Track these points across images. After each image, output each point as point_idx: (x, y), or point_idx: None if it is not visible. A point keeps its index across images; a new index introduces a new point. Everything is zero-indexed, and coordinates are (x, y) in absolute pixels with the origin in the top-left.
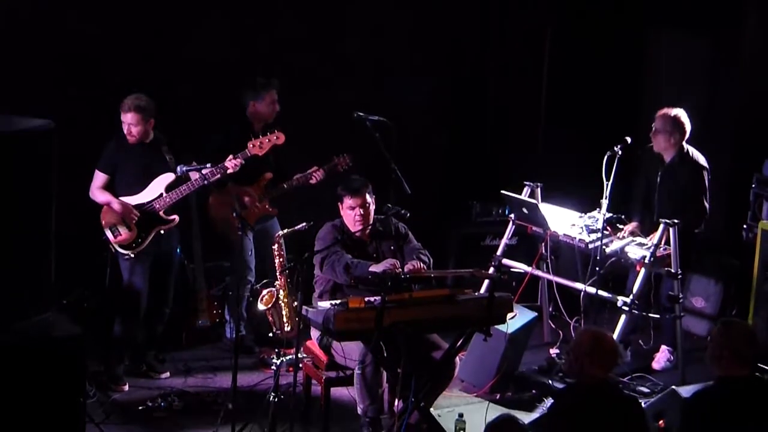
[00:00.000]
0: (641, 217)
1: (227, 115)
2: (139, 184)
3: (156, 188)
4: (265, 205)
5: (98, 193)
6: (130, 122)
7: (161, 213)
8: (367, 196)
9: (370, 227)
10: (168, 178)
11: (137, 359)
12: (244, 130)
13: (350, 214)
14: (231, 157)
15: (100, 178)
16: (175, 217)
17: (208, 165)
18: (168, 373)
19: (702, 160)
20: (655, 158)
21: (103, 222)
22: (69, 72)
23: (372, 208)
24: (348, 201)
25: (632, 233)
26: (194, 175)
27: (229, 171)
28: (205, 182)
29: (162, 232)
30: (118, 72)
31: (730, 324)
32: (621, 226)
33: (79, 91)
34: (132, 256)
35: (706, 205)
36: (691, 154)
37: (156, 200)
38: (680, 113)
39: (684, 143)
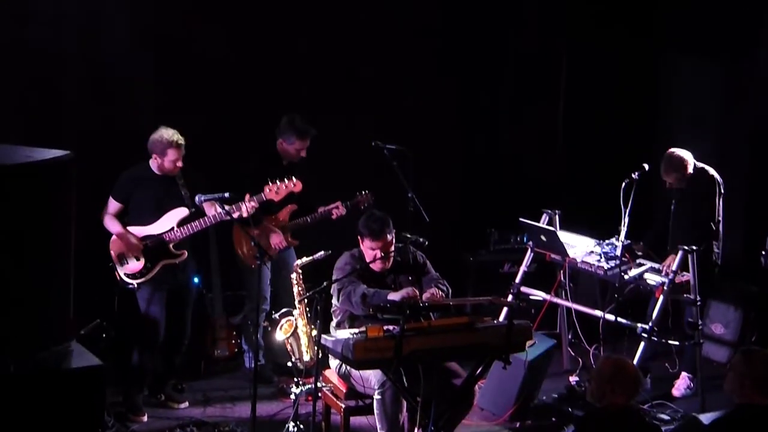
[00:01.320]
0: (652, 238)
1: (245, 145)
2: (151, 215)
3: (168, 221)
4: (288, 236)
5: (109, 221)
6: (179, 157)
7: (170, 246)
8: (388, 236)
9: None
10: (181, 212)
11: (156, 389)
12: (273, 161)
13: (370, 253)
14: (248, 197)
15: (113, 205)
16: (184, 252)
17: (227, 194)
18: (187, 403)
19: (716, 175)
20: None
21: (112, 250)
22: (82, 102)
23: (392, 244)
24: (369, 242)
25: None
26: (209, 210)
27: (237, 215)
28: (217, 222)
29: (178, 263)
30: (131, 102)
31: (751, 353)
32: (639, 253)
33: (88, 121)
34: (135, 286)
35: (717, 219)
36: (706, 170)
37: (166, 233)
38: (677, 153)
39: (696, 163)
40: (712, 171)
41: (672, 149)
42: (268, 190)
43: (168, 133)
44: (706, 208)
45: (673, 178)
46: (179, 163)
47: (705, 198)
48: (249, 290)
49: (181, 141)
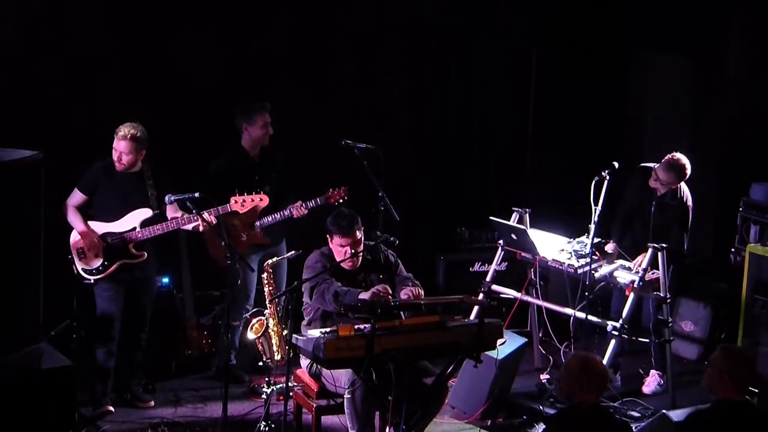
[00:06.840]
0: (620, 236)
1: (216, 143)
2: (115, 212)
3: (131, 221)
4: (258, 234)
5: (72, 215)
6: (122, 150)
7: (131, 247)
8: (357, 233)
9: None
10: (145, 213)
11: (121, 388)
12: (241, 158)
13: (340, 250)
14: (211, 210)
15: (77, 197)
16: (144, 253)
17: (197, 194)
18: (152, 402)
19: (690, 198)
20: (646, 186)
21: (72, 242)
22: (54, 101)
23: (361, 241)
24: (337, 239)
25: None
26: (170, 213)
27: (192, 226)
28: (180, 227)
29: (136, 263)
30: (106, 100)
31: (731, 349)
32: (609, 251)
33: (61, 120)
34: (92, 281)
35: (686, 240)
36: (683, 192)
37: (128, 233)
38: (683, 160)
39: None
40: (688, 196)
41: (675, 154)
42: (234, 202)
43: (122, 127)
44: (679, 226)
45: (669, 177)
46: (125, 158)
47: (677, 221)
48: (231, 290)
49: (126, 131)
